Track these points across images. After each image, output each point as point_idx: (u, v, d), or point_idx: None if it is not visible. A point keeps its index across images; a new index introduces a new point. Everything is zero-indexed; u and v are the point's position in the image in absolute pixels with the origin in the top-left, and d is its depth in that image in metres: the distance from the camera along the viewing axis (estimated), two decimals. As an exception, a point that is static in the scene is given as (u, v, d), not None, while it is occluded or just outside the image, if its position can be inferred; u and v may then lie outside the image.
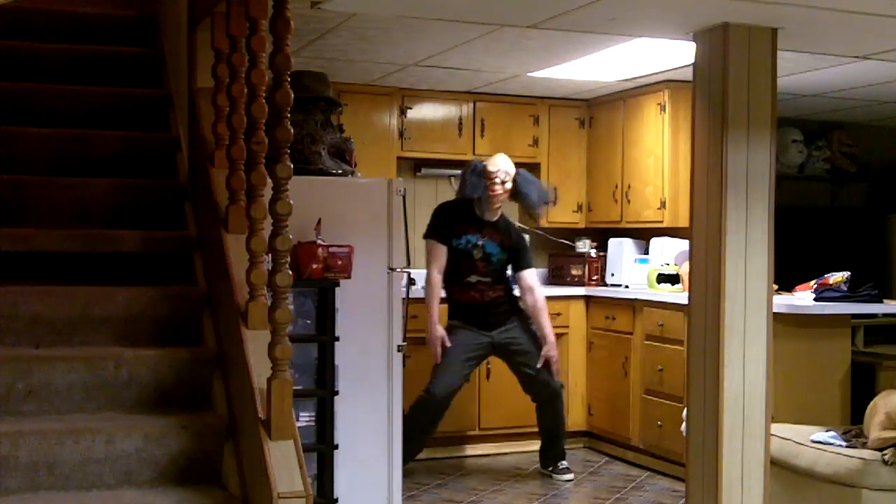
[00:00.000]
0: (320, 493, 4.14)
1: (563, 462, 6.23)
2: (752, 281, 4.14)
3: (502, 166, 5.98)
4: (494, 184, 5.92)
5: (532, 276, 6.13)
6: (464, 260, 5.93)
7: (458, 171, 7.26)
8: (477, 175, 5.93)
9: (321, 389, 4.20)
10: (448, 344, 5.86)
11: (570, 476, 6.16)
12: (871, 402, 4.62)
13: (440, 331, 5.88)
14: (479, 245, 5.94)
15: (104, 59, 4.98)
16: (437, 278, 5.92)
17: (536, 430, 7.06)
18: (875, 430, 4.39)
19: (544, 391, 6.09)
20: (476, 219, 5.98)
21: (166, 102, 4.77)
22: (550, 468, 6.24)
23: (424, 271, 6.05)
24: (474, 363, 6.08)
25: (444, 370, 5.84)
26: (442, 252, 5.92)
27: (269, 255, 3.29)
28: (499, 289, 6.02)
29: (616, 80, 6.60)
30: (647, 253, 6.99)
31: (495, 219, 6.04)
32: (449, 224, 5.98)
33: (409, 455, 5.53)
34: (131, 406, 3.60)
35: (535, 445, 7.02)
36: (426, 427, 5.85)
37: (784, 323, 5.17)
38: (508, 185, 5.96)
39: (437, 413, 5.87)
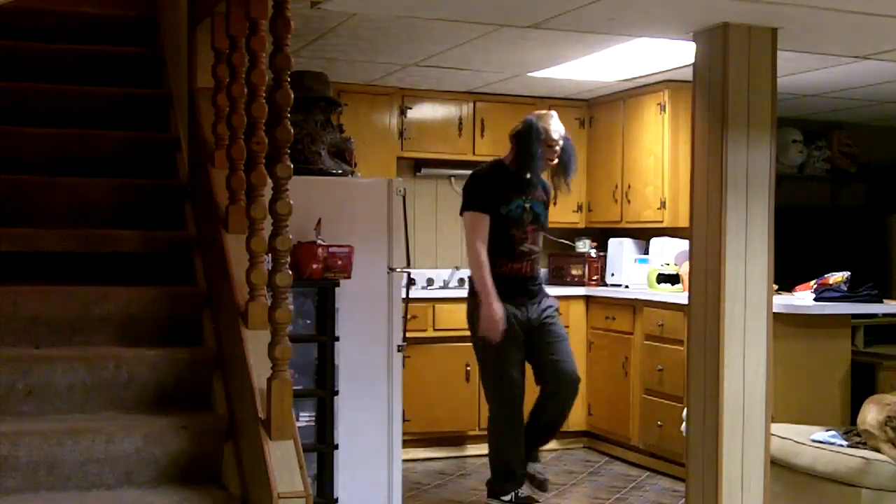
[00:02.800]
0: (320, 493, 4.15)
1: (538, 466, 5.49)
2: (752, 281, 4.14)
3: (562, 130, 5.40)
4: (554, 151, 5.35)
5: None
6: (516, 229, 5.29)
7: (458, 172, 7.31)
8: (539, 140, 5.27)
9: (321, 389, 4.20)
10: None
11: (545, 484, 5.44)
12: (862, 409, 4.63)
13: (502, 309, 5.18)
14: (528, 208, 5.32)
15: (104, 59, 4.98)
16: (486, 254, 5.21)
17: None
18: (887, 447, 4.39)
19: (570, 378, 5.35)
20: (516, 181, 5.31)
21: (166, 102, 4.77)
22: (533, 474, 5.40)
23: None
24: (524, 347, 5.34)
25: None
26: (486, 225, 5.24)
27: (269, 255, 3.29)
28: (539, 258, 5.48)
29: (616, 80, 6.60)
30: (647, 253, 7.00)
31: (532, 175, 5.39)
32: (494, 191, 5.29)
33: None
34: (131, 406, 3.60)
35: (535, 445, 7.02)
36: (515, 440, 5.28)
37: (784, 323, 5.16)
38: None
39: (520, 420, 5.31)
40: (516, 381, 5.27)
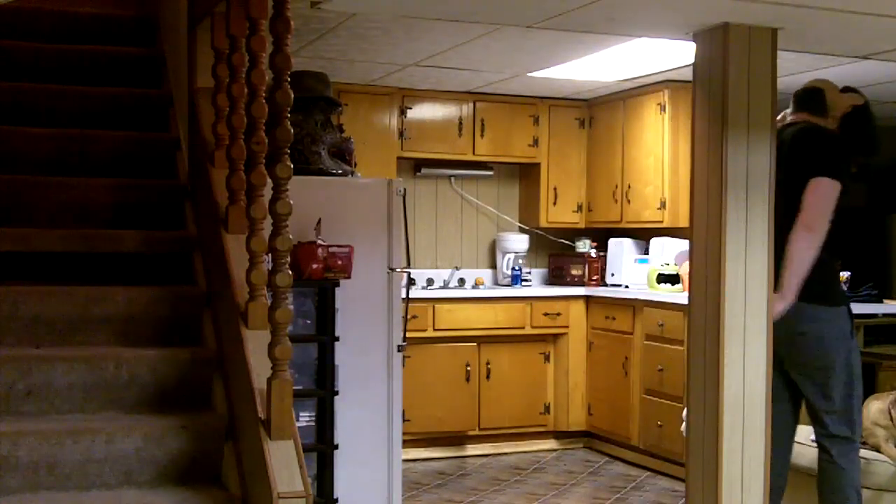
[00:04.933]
0: (320, 493, 4.14)
1: None
2: (752, 281, 4.13)
3: None
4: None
5: None
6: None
7: (458, 172, 7.31)
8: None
9: (321, 389, 4.20)
10: None
11: None
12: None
13: None
14: None
15: (104, 59, 4.98)
16: None
17: (536, 429, 7.08)
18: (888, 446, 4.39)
19: None
20: None
21: (166, 102, 4.77)
22: None
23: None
24: None
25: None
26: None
27: (269, 255, 3.29)
28: None
29: (616, 80, 6.60)
30: (647, 253, 7.00)
31: None
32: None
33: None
34: (131, 406, 3.60)
35: (536, 445, 7.03)
36: None
37: (784, 323, 5.15)
38: None
39: None
40: None
